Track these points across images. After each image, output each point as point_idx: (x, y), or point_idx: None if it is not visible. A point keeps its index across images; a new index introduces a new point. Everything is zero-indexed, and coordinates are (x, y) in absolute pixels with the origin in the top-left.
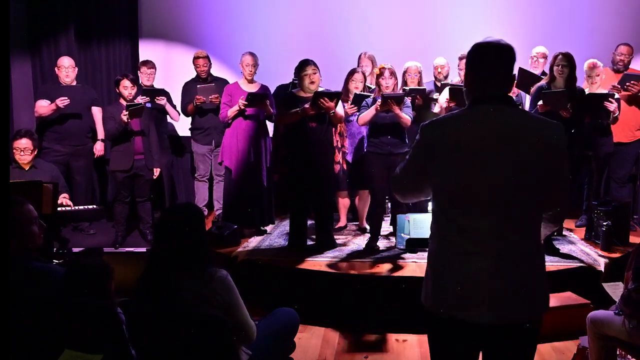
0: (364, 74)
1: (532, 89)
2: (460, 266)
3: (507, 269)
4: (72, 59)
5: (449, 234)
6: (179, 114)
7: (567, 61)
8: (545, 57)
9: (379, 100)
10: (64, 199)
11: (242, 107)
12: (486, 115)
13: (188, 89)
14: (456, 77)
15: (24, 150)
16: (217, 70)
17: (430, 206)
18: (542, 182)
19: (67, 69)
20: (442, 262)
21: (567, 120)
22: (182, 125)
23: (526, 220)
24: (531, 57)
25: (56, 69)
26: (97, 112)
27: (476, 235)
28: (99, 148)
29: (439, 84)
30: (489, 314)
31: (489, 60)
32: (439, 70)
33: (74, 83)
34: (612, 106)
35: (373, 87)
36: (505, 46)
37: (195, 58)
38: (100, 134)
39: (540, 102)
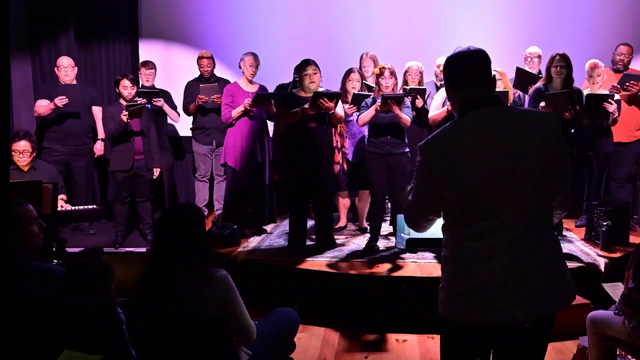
0: (360, 73)
1: (530, 91)
2: (479, 270)
3: (527, 267)
4: (70, 59)
5: (465, 239)
6: (179, 115)
7: (565, 62)
8: (539, 56)
9: (379, 100)
10: (61, 200)
11: (248, 108)
12: (479, 119)
13: (190, 89)
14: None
15: (22, 152)
16: (217, 70)
17: None
18: (547, 171)
19: (66, 69)
20: (460, 269)
21: (568, 120)
22: (183, 126)
23: (540, 214)
24: (525, 57)
25: (55, 69)
26: (97, 111)
27: (492, 238)
28: (99, 148)
29: (438, 84)
30: (513, 314)
31: (464, 68)
32: (442, 69)
33: (74, 82)
34: (611, 107)
35: (374, 86)
36: (475, 51)
37: (200, 58)
38: (101, 133)
39: (543, 104)
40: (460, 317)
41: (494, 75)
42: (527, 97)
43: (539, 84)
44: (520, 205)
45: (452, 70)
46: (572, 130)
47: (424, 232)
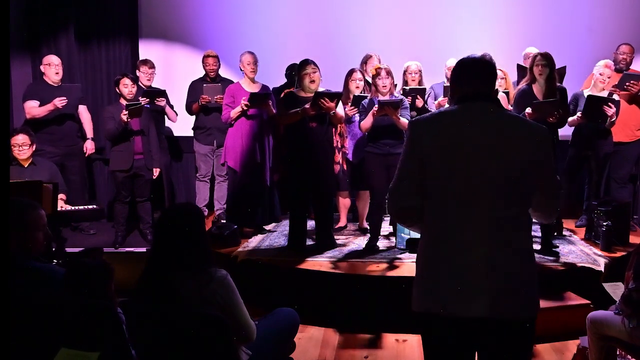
0: (362, 72)
1: (514, 93)
2: (454, 263)
3: (501, 264)
4: (58, 57)
5: (442, 231)
6: (177, 115)
7: (547, 60)
8: None
9: (376, 105)
10: (61, 200)
11: (245, 108)
12: (474, 111)
13: (194, 88)
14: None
15: (21, 145)
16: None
17: None
18: (531, 178)
19: (57, 67)
20: (436, 260)
21: (554, 123)
22: (179, 126)
23: (518, 216)
24: (525, 57)
25: (43, 67)
26: (83, 110)
27: (469, 232)
28: (89, 147)
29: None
30: (486, 309)
31: (473, 73)
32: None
33: (60, 82)
34: (610, 111)
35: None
36: (485, 60)
37: (206, 57)
38: (89, 132)
39: (529, 110)
40: (435, 309)
41: (497, 89)
42: None
43: (523, 84)
44: (498, 204)
45: (459, 73)
46: (573, 131)
47: (407, 228)
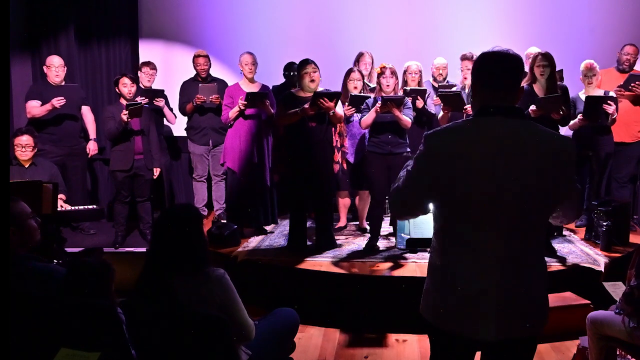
0: (360, 72)
1: None
2: (465, 281)
3: (513, 284)
4: (61, 58)
5: (453, 247)
6: (176, 117)
7: (547, 61)
8: None
9: (379, 101)
10: (60, 199)
11: (242, 107)
12: (493, 126)
13: (186, 88)
14: (456, 77)
15: (25, 146)
16: (216, 71)
17: (431, 206)
18: (549, 196)
19: (57, 68)
20: (446, 277)
21: (558, 121)
22: (177, 126)
23: (531, 234)
24: (527, 57)
25: (45, 68)
26: (86, 111)
27: (481, 250)
28: (92, 148)
29: (436, 85)
30: (494, 331)
31: (496, 71)
32: (440, 71)
33: (63, 83)
34: (610, 108)
35: (372, 85)
36: (512, 56)
37: (196, 57)
38: (92, 133)
39: (533, 107)
40: (443, 325)
41: (523, 87)
42: None
43: (523, 84)
44: (513, 222)
45: (481, 69)
46: (573, 132)
47: (409, 220)
